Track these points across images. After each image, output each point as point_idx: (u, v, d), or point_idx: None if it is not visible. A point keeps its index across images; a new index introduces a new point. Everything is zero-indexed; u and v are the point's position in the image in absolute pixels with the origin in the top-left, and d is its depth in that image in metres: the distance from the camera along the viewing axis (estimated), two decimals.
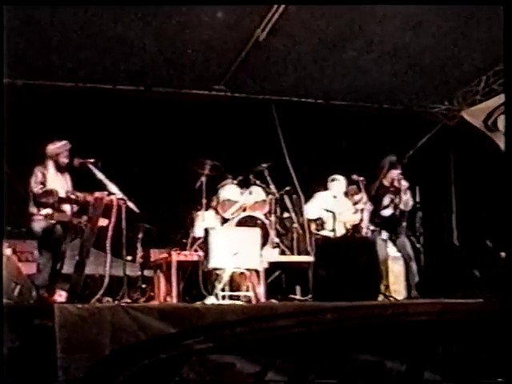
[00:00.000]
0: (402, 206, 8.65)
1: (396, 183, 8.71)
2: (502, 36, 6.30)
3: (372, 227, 8.70)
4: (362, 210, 8.88)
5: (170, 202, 9.58)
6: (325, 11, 8.43)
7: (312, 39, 9.04)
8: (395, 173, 8.77)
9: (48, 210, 7.26)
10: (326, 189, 9.27)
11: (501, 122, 10.70)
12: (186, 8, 8.14)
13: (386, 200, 8.71)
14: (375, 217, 8.73)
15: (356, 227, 8.96)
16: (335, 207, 8.92)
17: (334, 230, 8.67)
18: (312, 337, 5.81)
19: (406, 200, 8.66)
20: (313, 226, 8.95)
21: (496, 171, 10.63)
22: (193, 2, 8.04)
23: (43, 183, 7.29)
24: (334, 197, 9.15)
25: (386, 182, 8.84)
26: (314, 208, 9.04)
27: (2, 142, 6.03)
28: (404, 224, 8.70)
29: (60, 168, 7.49)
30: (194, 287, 7.75)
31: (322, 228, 8.90)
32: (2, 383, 5.06)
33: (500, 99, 10.44)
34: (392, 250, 9.07)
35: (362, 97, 10.69)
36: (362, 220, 8.86)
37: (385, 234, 8.66)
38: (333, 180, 9.20)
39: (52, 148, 7.51)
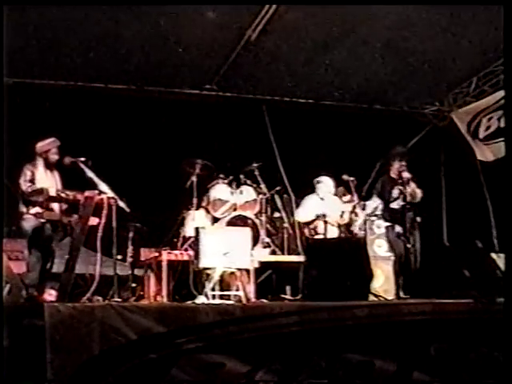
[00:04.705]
0: (408, 198, 8.49)
1: (403, 174, 8.59)
2: (502, 36, 6.31)
3: (385, 223, 8.63)
4: (353, 211, 8.89)
5: (161, 202, 9.55)
6: (316, 11, 8.43)
7: (303, 39, 9.05)
8: (399, 164, 8.67)
9: (37, 209, 7.25)
10: (314, 191, 9.29)
11: (482, 128, 10.77)
12: (177, 8, 8.13)
13: (395, 192, 8.60)
14: (386, 211, 8.63)
15: (348, 228, 8.95)
16: (323, 209, 8.94)
17: (325, 234, 8.69)
18: (302, 337, 5.82)
19: (411, 191, 8.51)
20: (306, 232, 8.97)
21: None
22: (184, 2, 8.03)
23: (32, 181, 7.28)
24: (322, 199, 9.17)
25: (393, 175, 8.74)
26: (304, 213, 9.07)
27: (2, 143, 6.00)
28: (418, 219, 8.54)
29: (49, 166, 7.49)
30: (184, 286, 7.75)
31: (316, 233, 8.91)
32: (1, 383, 5.05)
33: (488, 101, 10.54)
34: (382, 250, 9.10)
35: (352, 97, 10.70)
36: (352, 220, 8.87)
37: (399, 228, 8.51)
38: (318, 182, 9.22)
39: (41, 145, 7.51)
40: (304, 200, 9.28)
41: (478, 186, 10.93)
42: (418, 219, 8.54)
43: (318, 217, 8.91)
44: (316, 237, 8.86)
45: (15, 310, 5.67)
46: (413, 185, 8.56)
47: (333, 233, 8.87)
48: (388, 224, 8.69)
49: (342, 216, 8.96)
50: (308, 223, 9.03)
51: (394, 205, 8.62)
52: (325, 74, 9.86)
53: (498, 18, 6.64)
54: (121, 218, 7.20)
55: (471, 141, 11.01)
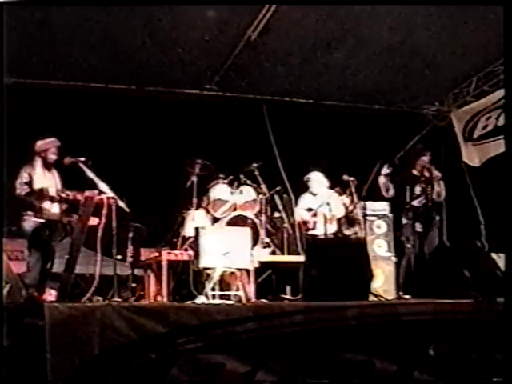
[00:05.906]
0: (434, 196, 8.49)
1: (426, 172, 8.59)
2: (502, 36, 6.29)
3: (405, 220, 8.63)
4: (353, 212, 8.90)
5: (161, 202, 9.56)
6: (316, 11, 8.43)
7: (303, 39, 9.05)
8: (425, 160, 8.66)
9: (36, 210, 7.24)
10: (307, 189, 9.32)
11: (479, 127, 10.76)
12: (177, 8, 8.13)
13: (418, 189, 8.57)
14: (406, 209, 8.54)
15: (347, 220, 8.94)
16: (316, 204, 8.95)
17: (314, 227, 8.69)
18: (302, 337, 5.82)
19: (439, 191, 8.52)
20: (304, 228, 8.97)
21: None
22: (185, 2, 8.03)
23: (28, 184, 7.26)
24: (314, 194, 9.17)
25: (415, 172, 8.72)
26: (299, 211, 9.08)
27: (2, 143, 6.00)
28: (437, 218, 8.56)
29: (48, 165, 7.47)
30: (184, 287, 7.73)
31: (314, 227, 8.91)
32: (2, 383, 5.05)
33: (488, 100, 10.53)
34: (382, 250, 9.10)
35: (352, 97, 10.70)
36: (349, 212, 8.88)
37: (419, 227, 8.48)
38: (308, 180, 9.23)
39: (40, 143, 7.51)
40: (298, 199, 9.31)
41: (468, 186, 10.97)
42: (438, 218, 8.56)
43: (309, 210, 8.92)
44: (314, 232, 8.86)
45: (15, 310, 5.67)
46: (442, 183, 8.56)
47: (332, 226, 8.85)
48: (408, 221, 8.62)
49: (330, 209, 8.90)
50: (304, 221, 9.03)
51: (415, 202, 8.59)
52: (325, 73, 9.87)
53: (498, 17, 6.63)
54: (121, 217, 7.20)
55: (462, 142, 11.02)
